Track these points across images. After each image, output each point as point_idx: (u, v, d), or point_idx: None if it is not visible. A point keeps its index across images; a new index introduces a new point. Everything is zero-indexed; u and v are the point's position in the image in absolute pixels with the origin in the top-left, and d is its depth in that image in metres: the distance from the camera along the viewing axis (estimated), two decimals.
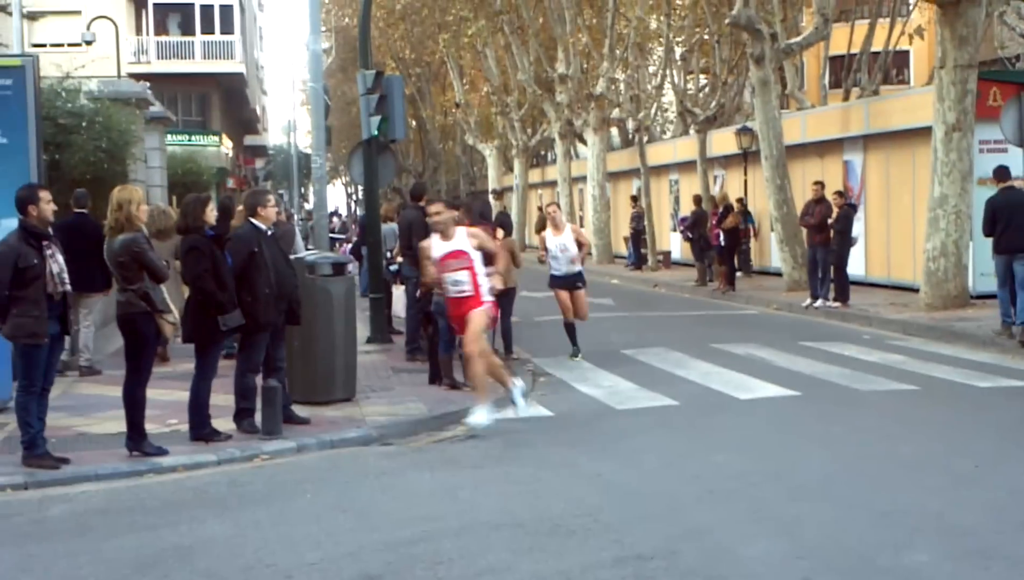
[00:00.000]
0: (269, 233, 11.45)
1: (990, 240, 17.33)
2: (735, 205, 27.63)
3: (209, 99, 53.67)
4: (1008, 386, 13.44)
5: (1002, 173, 17.33)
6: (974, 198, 20.08)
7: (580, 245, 16.78)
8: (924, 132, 21.31)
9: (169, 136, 31.34)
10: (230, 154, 56.49)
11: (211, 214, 11.10)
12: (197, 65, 50.39)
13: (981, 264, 20.20)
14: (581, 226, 45.55)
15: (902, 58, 46.22)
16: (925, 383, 13.70)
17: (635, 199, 37.80)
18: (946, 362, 15.31)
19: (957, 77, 19.80)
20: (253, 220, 11.42)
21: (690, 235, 29.46)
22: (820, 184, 22.39)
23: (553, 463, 10.14)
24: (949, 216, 19.93)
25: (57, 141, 16.37)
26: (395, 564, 7.18)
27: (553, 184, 48.64)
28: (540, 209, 52.23)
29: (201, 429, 10.84)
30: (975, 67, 20.07)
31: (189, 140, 45.07)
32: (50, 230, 10.09)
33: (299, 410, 11.81)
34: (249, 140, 70.89)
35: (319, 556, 7.40)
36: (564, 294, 16.60)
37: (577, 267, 16.65)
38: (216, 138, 50.08)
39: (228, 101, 57.12)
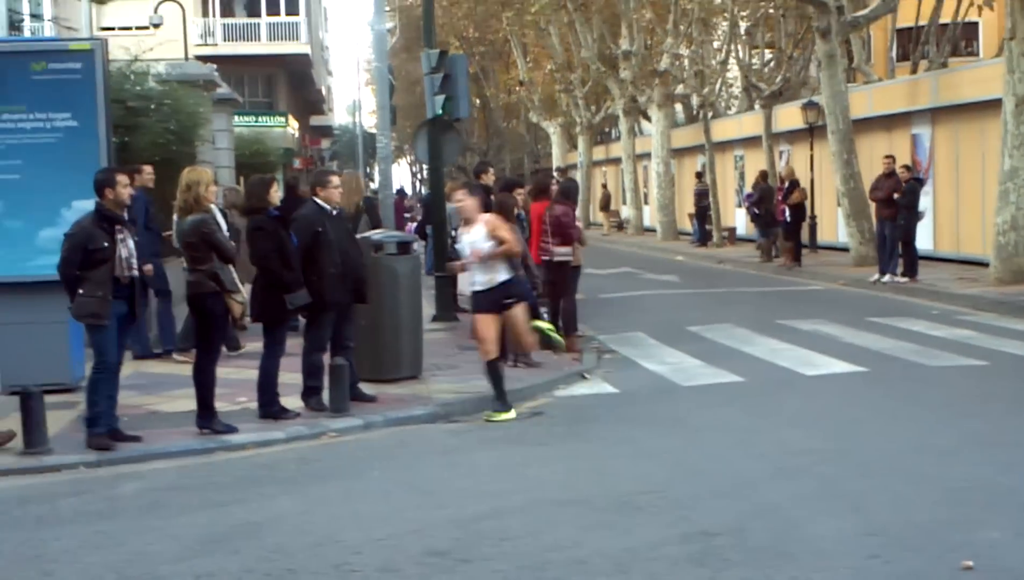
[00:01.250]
0: (334, 213, 11.53)
1: None
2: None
3: (275, 80, 54.02)
4: None
5: None
6: None
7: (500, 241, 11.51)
8: (994, 105, 21.02)
9: (236, 117, 31.55)
10: (296, 135, 56.83)
11: (276, 194, 11.20)
12: (263, 47, 50.72)
13: None
14: (645, 203, 45.50)
15: (971, 30, 45.48)
16: (995, 358, 13.55)
17: (699, 175, 37.62)
18: (1017, 337, 15.12)
19: None
20: (316, 200, 11.50)
21: (756, 211, 29.27)
22: (891, 158, 22.15)
23: (619, 440, 10.15)
24: (1020, 189, 19.67)
25: (126, 124, 16.52)
26: (462, 540, 7.22)
27: (618, 161, 48.53)
28: (604, 186, 52.17)
29: (270, 407, 10.95)
30: None
31: (256, 121, 45.40)
32: (125, 214, 10.19)
33: (366, 388, 11.89)
34: (315, 120, 71.26)
35: (387, 532, 7.46)
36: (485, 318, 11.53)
37: (501, 276, 11.53)
38: (282, 119, 50.39)
39: (294, 82, 57.44)
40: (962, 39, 41.73)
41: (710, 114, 37.53)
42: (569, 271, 15.27)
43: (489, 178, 16.86)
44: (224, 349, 11.61)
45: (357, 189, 17.73)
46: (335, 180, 11.79)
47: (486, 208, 14.81)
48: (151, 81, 18.34)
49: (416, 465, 9.47)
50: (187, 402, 10.97)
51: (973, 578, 6.23)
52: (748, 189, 32.37)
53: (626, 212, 47.42)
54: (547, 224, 14.99)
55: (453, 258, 17.91)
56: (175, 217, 12.59)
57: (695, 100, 40.76)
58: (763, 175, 29.96)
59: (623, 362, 14.44)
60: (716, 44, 40.94)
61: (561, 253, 14.88)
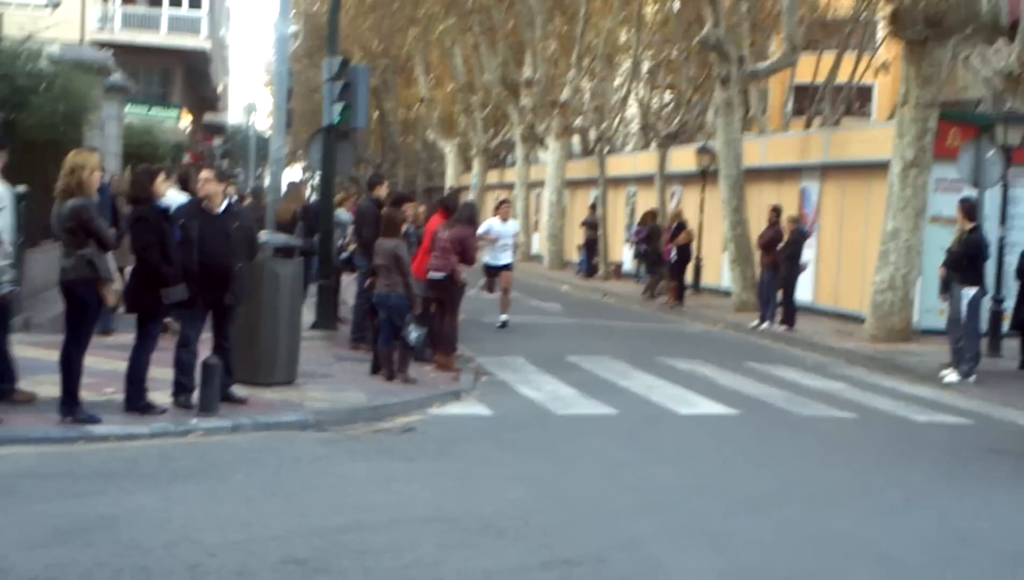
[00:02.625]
0: (219, 211, 11.37)
1: (936, 276, 17.45)
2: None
3: (171, 73, 53.22)
4: (945, 422, 13.54)
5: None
6: (925, 235, 20.28)
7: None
8: (881, 167, 21.47)
9: (128, 106, 31.05)
10: (189, 129, 56.05)
11: (162, 186, 11.00)
12: (161, 38, 49.97)
13: (927, 299, 20.35)
14: (535, 230, 45.80)
15: (865, 93, 46.54)
16: (863, 412, 13.79)
17: (593, 208, 37.89)
18: (885, 393, 15.42)
19: (918, 115, 19.98)
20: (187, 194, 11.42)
21: (643, 248, 29.57)
22: (775, 210, 22.49)
23: (489, 462, 10.11)
24: (900, 250, 20.09)
25: (14, 101, 16.17)
26: (322, 551, 7.11)
27: (511, 186, 48.63)
28: (495, 211, 52.24)
29: (137, 401, 10.71)
30: (936, 106, 20.26)
31: (148, 112, 44.58)
32: None
33: (238, 390, 11.71)
34: (209, 117, 70.32)
35: (245, 536, 7.33)
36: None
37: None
38: (175, 112, 49.63)
39: (190, 77, 56.67)
40: (856, 100, 42.71)
41: (606, 149, 37.83)
42: (455, 289, 15.33)
43: (382, 191, 16.77)
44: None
45: (297, 198, 17.65)
46: (203, 174, 11.73)
47: (376, 221, 14.85)
48: (44, 61, 17.94)
49: (282, 471, 9.33)
50: (52, 388, 10.70)
51: None
52: (636, 225, 32.73)
53: None
54: (444, 242, 15.07)
55: (341, 267, 17.91)
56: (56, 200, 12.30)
57: (592, 134, 41.06)
58: (652, 214, 30.28)
59: (500, 385, 14.42)
60: (617, 81, 41.32)
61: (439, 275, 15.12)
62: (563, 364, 16.39)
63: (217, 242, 11.30)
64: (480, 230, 19.22)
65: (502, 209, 21.38)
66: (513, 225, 21.68)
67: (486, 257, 20.66)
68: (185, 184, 14.62)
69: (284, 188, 20.97)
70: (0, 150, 11.00)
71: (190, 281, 10.89)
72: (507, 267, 20.88)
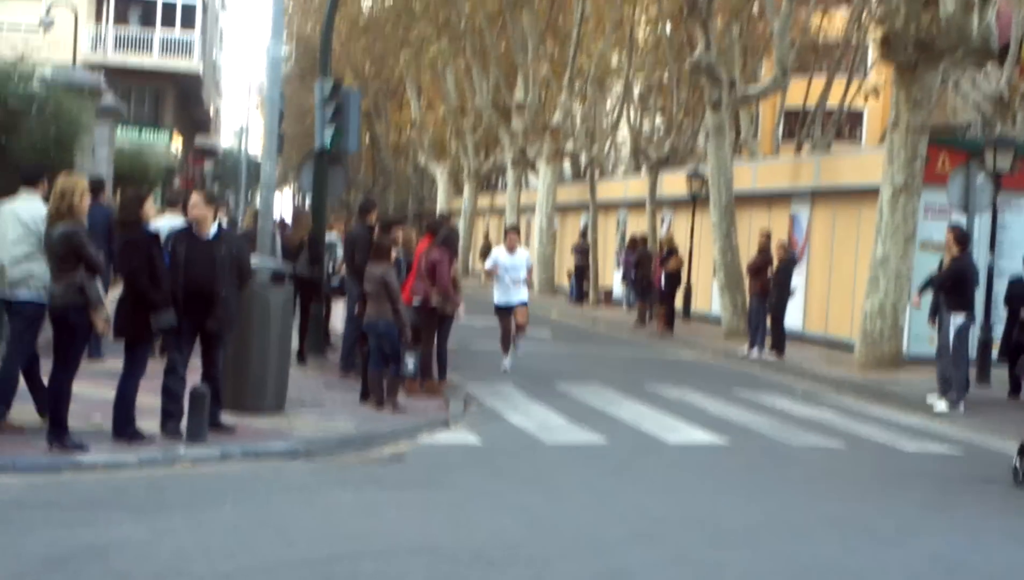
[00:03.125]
0: (206, 236, 11.32)
1: (926, 302, 17.47)
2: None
3: (163, 95, 53.21)
4: (934, 451, 13.54)
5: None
6: (915, 261, 20.30)
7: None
8: (871, 192, 21.50)
9: (119, 129, 31.04)
10: (180, 153, 56.05)
11: (151, 210, 10.98)
12: (154, 61, 49.97)
13: (917, 326, 20.36)
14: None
15: (856, 118, 46.77)
16: (852, 441, 13.77)
17: (583, 234, 37.90)
18: (874, 422, 15.41)
19: (908, 140, 20.04)
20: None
21: (633, 273, 29.59)
22: (766, 234, 22.53)
23: (478, 492, 10.08)
24: (889, 277, 20.12)
25: (5, 124, 16.13)
26: None
27: (502, 211, 48.64)
28: (486, 236, 52.28)
29: (124, 428, 10.65)
30: (926, 131, 20.31)
31: (139, 135, 44.64)
32: None
33: (227, 417, 11.65)
34: (200, 140, 70.37)
35: (233, 567, 7.30)
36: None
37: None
38: (167, 135, 49.65)
39: (182, 99, 56.70)
40: (847, 125, 42.88)
41: (597, 173, 37.87)
42: (440, 316, 15.36)
43: (373, 218, 16.76)
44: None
45: (305, 224, 17.57)
46: (192, 198, 11.62)
47: (368, 247, 14.83)
48: (35, 84, 17.92)
49: (271, 501, 9.29)
50: (37, 416, 10.64)
51: None
52: (625, 250, 32.86)
53: None
54: (421, 267, 15.10)
55: (333, 290, 17.81)
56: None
57: (584, 158, 41.12)
58: (643, 239, 30.31)
59: (489, 414, 14.38)
60: (609, 105, 41.44)
61: (435, 300, 15.07)
62: (553, 392, 16.37)
63: (203, 267, 11.21)
64: (487, 264, 18.84)
65: (509, 238, 18.73)
66: (523, 255, 18.48)
67: (495, 295, 18.24)
68: (186, 207, 14.62)
69: (280, 214, 20.93)
70: None
71: (175, 306, 10.84)
72: (522, 305, 18.12)
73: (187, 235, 11.34)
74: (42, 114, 17.06)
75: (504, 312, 18.04)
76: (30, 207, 10.67)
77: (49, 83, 19.02)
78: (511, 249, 18.32)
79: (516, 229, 19.67)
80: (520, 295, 18.09)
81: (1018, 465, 11.63)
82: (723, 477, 11.42)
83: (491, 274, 18.39)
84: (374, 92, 55.91)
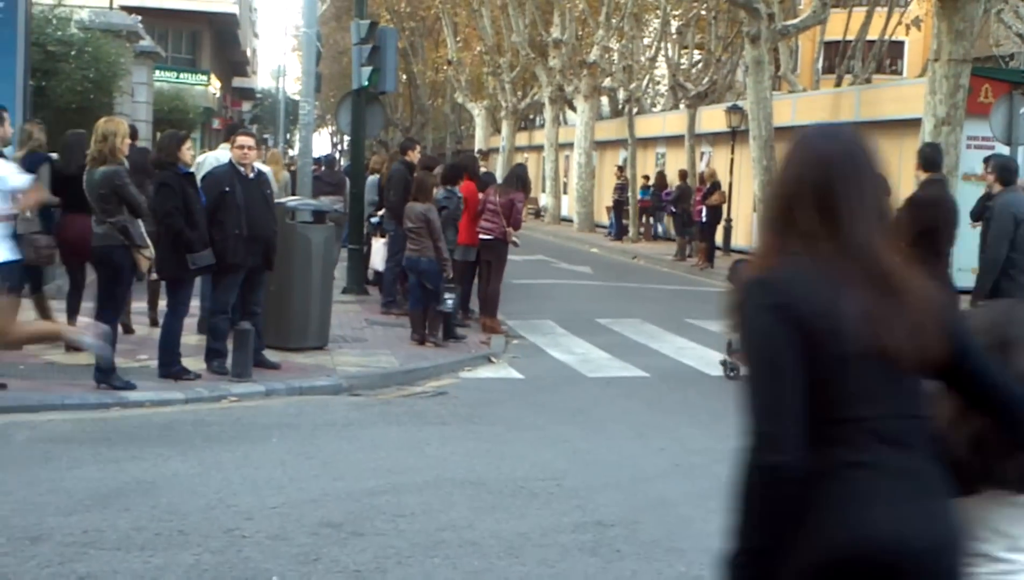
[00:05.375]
0: (251, 175, 11.38)
1: (973, 234, 17.31)
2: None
3: (200, 37, 53.19)
4: None
5: None
6: (959, 193, 20.10)
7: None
8: (913, 124, 21.30)
9: (157, 72, 31.13)
10: (218, 95, 56.13)
11: (187, 152, 11.03)
12: (190, 2, 49.91)
13: (960, 258, 20.17)
14: (564, 192, 45.75)
15: (897, 49, 46.17)
16: None
17: (621, 169, 37.78)
18: None
19: (950, 71, 19.78)
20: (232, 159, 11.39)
21: (674, 209, 29.53)
22: None
23: (520, 425, 10.16)
24: None
25: (45, 68, 16.24)
26: (356, 514, 7.18)
27: (540, 148, 48.51)
28: None
29: (170, 366, 10.79)
30: (969, 62, 20.04)
31: (177, 77, 44.66)
32: None
33: (270, 355, 11.78)
34: (237, 82, 70.42)
35: (281, 500, 7.40)
36: None
37: None
38: (204, 77, 49.62)
39: (219, 41, 56.68)
40: (888, 57, 42.38)
41: (635, 109, 37.67)
42: (504, 251, 15.45)
43: (415, 156, 16.76)
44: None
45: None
46: (239, 140, 11.59)
47: (406, 185, 14.89)
48: (73, 27, 18.01)
49: (315, 436, 9.40)
50: (86, 355, 10.78)
51: None
52: (650, 186, 33.39)
53: (544, 200, 47.48)
54: (494, 205, 15.15)
55: (371, 231, 17.90)
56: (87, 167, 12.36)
57: (621, 94, 40.91)
58: (682, 174, 30.19)
59: (531, 349, 14.46)
60: (646, 41, 41.13)
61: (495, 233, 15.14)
62: (593, 326, 16.41)
63: (259, 207, 11.32)
64: None
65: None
66: None
67: None
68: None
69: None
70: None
71: (238, 246, 10.93)
72: None
73: (239, 176, 11.31)
74: (80, 57, 17.20)
75: None
76: None
77: (87, 26, 19.14)
78: None
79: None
80: None
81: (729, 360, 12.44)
82: None
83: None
84: (410, 31, 55.66)
